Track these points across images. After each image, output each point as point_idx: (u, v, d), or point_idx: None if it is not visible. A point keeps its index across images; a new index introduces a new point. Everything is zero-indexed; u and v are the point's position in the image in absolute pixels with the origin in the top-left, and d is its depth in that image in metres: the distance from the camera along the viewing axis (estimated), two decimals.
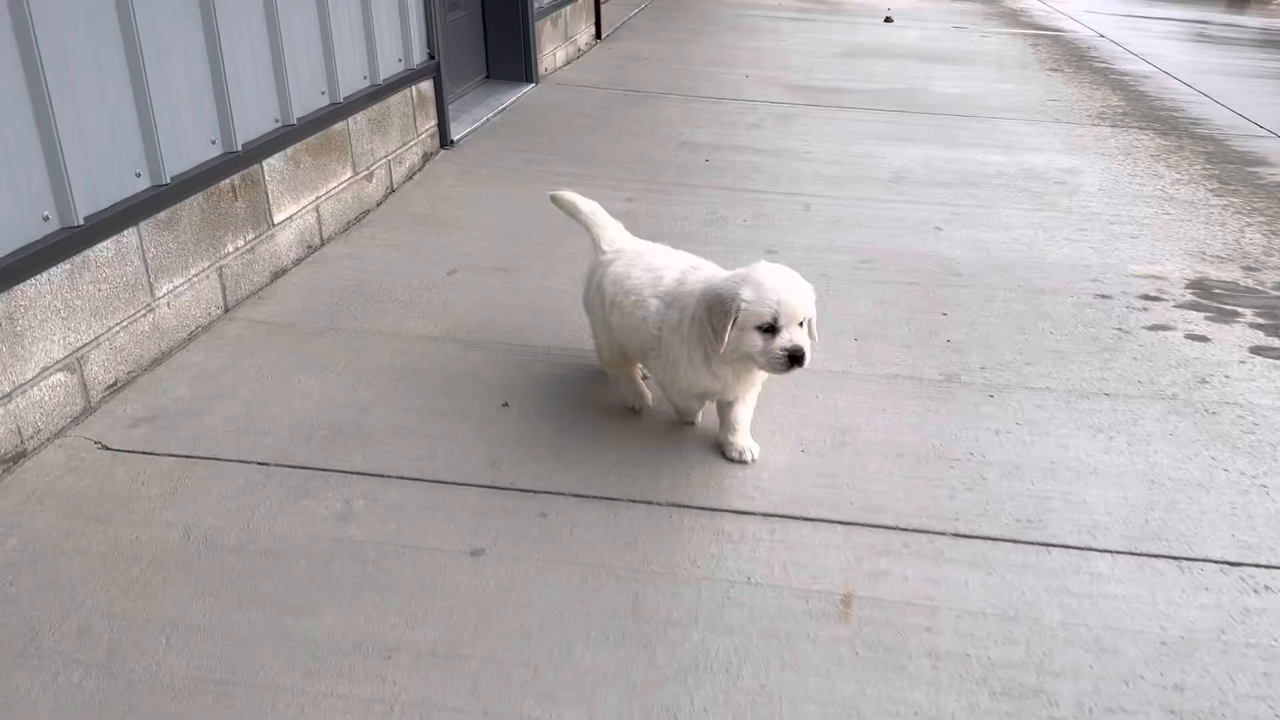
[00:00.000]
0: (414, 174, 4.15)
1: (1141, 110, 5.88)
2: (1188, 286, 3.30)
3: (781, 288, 2.04)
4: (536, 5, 5.67)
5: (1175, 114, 5.82)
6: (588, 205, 2.54)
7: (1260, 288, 3.32)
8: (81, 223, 2.29)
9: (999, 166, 4.59)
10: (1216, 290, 3.28)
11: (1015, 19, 9.83)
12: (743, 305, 2.02)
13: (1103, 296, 3.20)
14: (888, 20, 8.98)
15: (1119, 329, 2.97)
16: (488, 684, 1.63)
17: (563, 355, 2.71)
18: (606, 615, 1.79)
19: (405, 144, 4.06)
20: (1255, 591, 1.89)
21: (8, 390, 2.12)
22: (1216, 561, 1.97)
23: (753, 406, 2.30)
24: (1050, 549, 1.99)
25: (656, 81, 6.06)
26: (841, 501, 2.12)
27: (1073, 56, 7.66)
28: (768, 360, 2.06)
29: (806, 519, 2.06)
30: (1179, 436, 2.41)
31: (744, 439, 2.27)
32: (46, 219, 2.22)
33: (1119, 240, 3.70)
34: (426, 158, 4.30)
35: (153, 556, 1.90)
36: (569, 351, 2.73)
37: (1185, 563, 1.97)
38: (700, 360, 2.13)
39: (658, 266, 2.28)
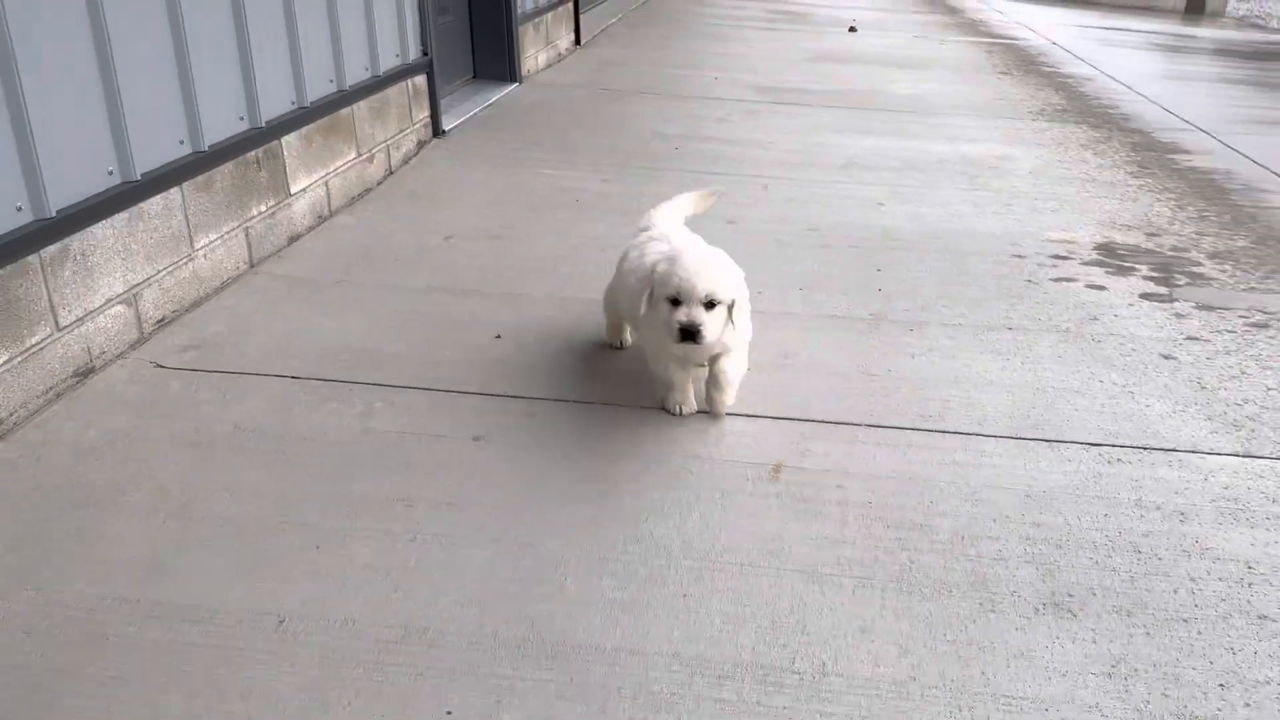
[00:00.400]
0: (410, 159, 4.60)
1: (1079, 107, 6.40)
2: (1095, 248, 3.79)
3: (689, 269, 2.22)
4: (520, 11, 6.14)
5: (1110, 110, 6.35)
6: (680, 198, 2.81)
7: (1158, 249, 3.81)
8: (139, 178, 2.73)
9: (942, 155, 5.09)
10: (1120, 251, 3.77)
11: (974, 29, 10.39)
12: (656, 279, 2.27)
13: (1018, 256, 3.68)
14: (852, 30, 9.52)
15: (1029, 281, 3.45)
16: (491, 524, 2.07)
17: (548, 303, 3.16)
18: (584, 481, 2.23)
19: (402, 131, 4.51)
20: (1108, 463, 2.36)
21: (80, 315, 2.55)
22: (1081, 443, 2.44)
23: (741, 369, 2.44)
24: (946, 434, 2.45)
25: (631, 83, 6.54)
26: (779, 404, 2.57)
27: (1023, 62, 8.21)
28: (667, 330, 2.25)
29: (751, 415, 2.51)
30: (1066, 359, 2.88)
31: (728, 398, 2.41)
32: (111, 173, 2.65)
33: (1040, 213, 4.18)
34: (421, 145, 4.75)
35: (210, 442, 2.33)
36: (553, 300, 3.17)
37: (1055, 444, 2.43)
38: (653, 330, 2.35)
39: (663, 248, 2.41)
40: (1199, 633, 1.82)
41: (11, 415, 2.34)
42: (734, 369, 2.40)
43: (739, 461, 2.31)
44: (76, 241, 2.52)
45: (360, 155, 4.09)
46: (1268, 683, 1.71)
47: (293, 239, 3.57)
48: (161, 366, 2.66)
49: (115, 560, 1.92)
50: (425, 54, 4.72)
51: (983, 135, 5.52)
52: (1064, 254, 3.71)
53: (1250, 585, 1.95)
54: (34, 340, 2.40)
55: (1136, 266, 3.62)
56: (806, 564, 1.97)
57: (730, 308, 2.27)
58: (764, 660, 1.73)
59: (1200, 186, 4.68)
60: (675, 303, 2.23)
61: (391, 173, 4.40)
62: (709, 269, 2.23)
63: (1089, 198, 4.44)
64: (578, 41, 7.70)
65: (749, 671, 1.70)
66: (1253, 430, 2.52)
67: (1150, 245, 3.85)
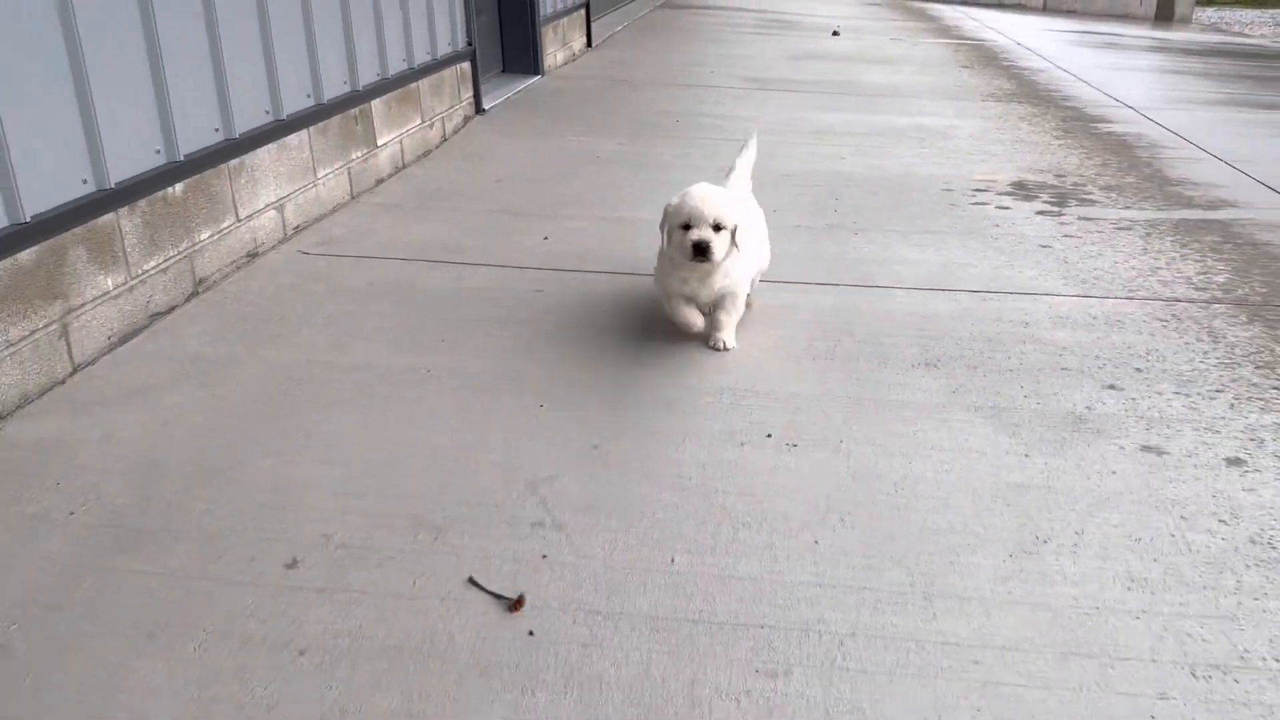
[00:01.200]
0: (459, 129, 5.65)
1: (1026, 91, 7.46)
2: (1010, 185, 4.82)
3: (696, 198, 2.70)
4: (541, 15, 7.21)
5: (1053, 93, 7.40)
6: (748, 154, 3.29)
7: (1060, 185, 4.83)
8: (285, 119, 3.78)
9: (899, 125, 6.13)
10: (1029, 186, 4.80)
11: (947, 33, 11.48)
12: (669, 210, 2.76)
13: (948, 190, 4.71)
14: (835, 34, 10.60)
15: (952, 205, 4.48)
16: (552, 329, 3.09)
17: (580, 219, 4.19)
18: (609, 311, 3.25)
19: (453, 106, 5.57)
20: (983, 300, 3.38)
21: (250, 213, 3.59)
22: (966, 291, 3.46)
23: (735, 316, 2.92)
24: (872, 288, 3.47)
25: (638, 76, 7.61)
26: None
27: (987, 58, 9.28)
28: (681, 250, 2.71)
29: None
30: (968, 248, 3.90)
31: (724, 334, 2.92)
32: (268, 113, 3.70)
33: (971, 163, 5.22)
34: (467, 119, 5.80)
35: (355, 292, 3.36)
36: (584, 218, 4.21)
37: (947, 291, 3.45)
38: (667, 263, 2.85)
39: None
40: (1017, 375, 2.84)
41: (212, 275, 3.38)
42: (728, 319, 2.91)
43: None
44: (248, 159, 3.57)
45: (423, 122, 5.14)
46: (1056, 394, 2.72)
47: (379, 181, 4.62)
48: (305, 253, 3.70)
49: (310, 346, 2.95)
50: (470, 44, 5.78)
51: (937, 112, 6.57)
52: (984, 188, 4.74)
53: (1059, 355, 2.97)
54: (224, 225, 3.44)
55: (1039, 195, 4.65)
56: (768, 347, 3.00)
57: (734, 233, 2.74)
58: (738, 385, 2.75)
59: (1111, 145, 5.72)
60: (687, 228, 2.72)
61: (446, 139, 5.45)
62: (714, 198, 2.72)
63: (1014, 153, 5.47)
64: (589, 44, 8.78)
65: (734, 387, 2.73)
66: (1094, 284, 3.53)
67: (1055, 182, 4.88)
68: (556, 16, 7.73)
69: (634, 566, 1.99)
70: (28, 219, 2.57)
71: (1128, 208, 4.48)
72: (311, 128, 4.00)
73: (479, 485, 2.26)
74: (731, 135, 5.71)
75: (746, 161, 3.29)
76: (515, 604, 1.87)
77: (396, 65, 4.80)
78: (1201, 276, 3.61)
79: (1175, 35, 12.89)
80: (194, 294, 3.28)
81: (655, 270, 3.00)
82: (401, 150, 4.87)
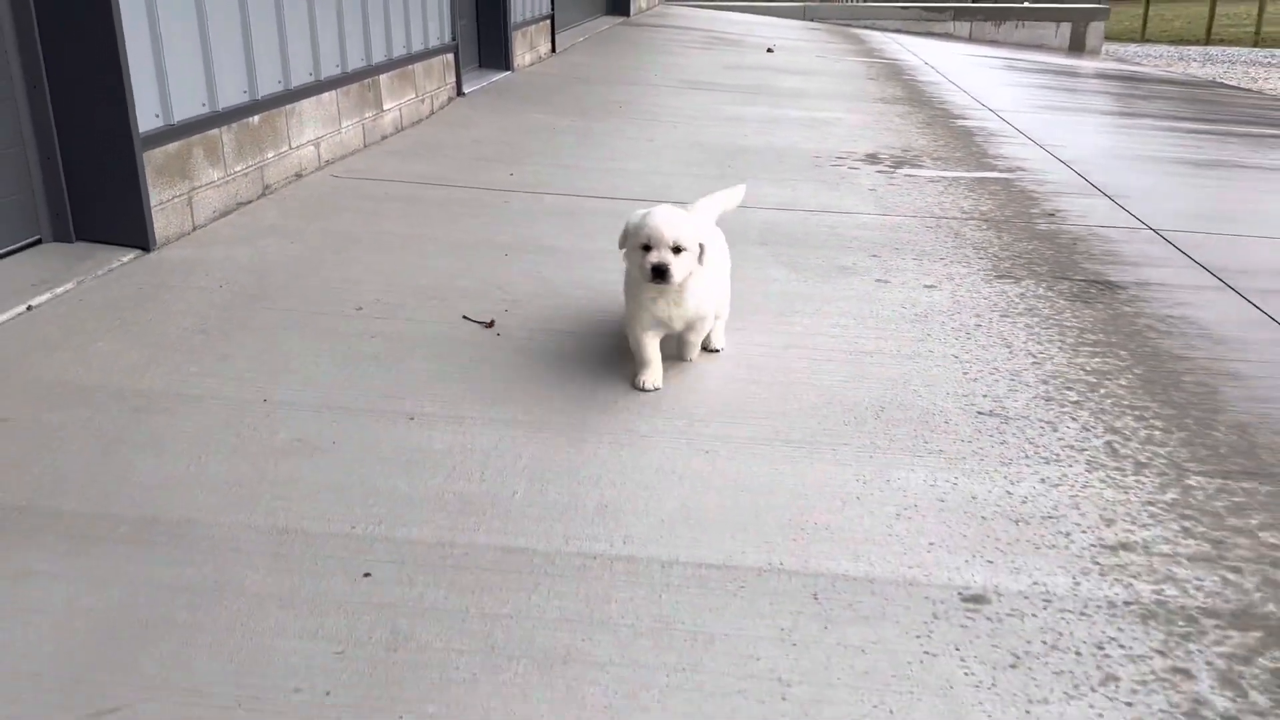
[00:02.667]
0: (444, 106, 7.15)
1: (912, 97, 9.09)
2: (864, 156, 6.38)
3: (656, 221, 2.67)
4: (512, 22, 8.74)
5: (933, 99, 9.04)
6: (729, 195, 3.44)
7: (903, 156, 6.41)
8: (322, 79, 5.26)
9: (797, 116, 7.71)
10: (878, 156, 6.37)
11: (869, 53, 13.18)
12: (630, 229, 2.74)
13: (816, 157, 6.27)
14: (769, 51, 12.24)
15: (815, 166, 6.03)
16: (517, 208, 4.59)
17: (539, 165, 5.69)
18: (559, 210, 4.75)
19: (440, 86, 7.07)
20: (814, 214, 4.90)
21: (296, 145, 5.06)
22: (805, 211, 4.98)
23: (701, 335, 3.01)
24: (741, 209, 5.00)
25: (592, 76, 9.16)
26: (668, 197, 5.11)
27: (892, 73, 10.94)
28: (641, 272, 2.69)
29: (654, 200, 5.06)
30: (815, 189, 5.44)
31: (691, 353, 3.05)
32: (310, 75, 5.18)
33: (842, 142, 6.79)
34: (450, 98, 7.31)
35: (374, 198, 4.83)
36: (542, 166, 5.71)
37: (792, 211, 4.98)
38: (634, 283, 2.82)
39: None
40: (816, 249, 4.36)
41: (274, 184, 4.84)
42: (695, 339, 3.00)
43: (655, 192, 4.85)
44: (297, 106, 5.04)
45: (417, 96, 6.64)
46: (836, 258, 4.24)
47: (384, 136, 6.11)
48: (336, 176, 5.17)
49: (349, 223, 4.42)
50: (454, 40, 7.30)
51: (831, 109, 8.17)
52: (844, 157, 6.31)
53: (848, 241, 4.49)
54: (282, 150, 4.91)
55: (883, 161, 6.22)
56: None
57: (699, 255, 2.72)
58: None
59: (958, 133, 7.33)
60: (647, 249, 2.69)
61: (434, 112, 6.95)
62: (675, 219, 2.69)
63: (879, 136, 7.06)
64: (553, 50, 10.33)
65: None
66: (891, 209, 5.07)
67: (900, 155, 6.46)
68: (526, 24, 9.27)
69: (559, 312, 3.48)
70: (175, 122, 4.03)
71: (944, 171, 6.06)
72: (338, 89, 5.48)
73: (461, 282, 3.73)
74: (660, 118, 7.26)
75: (720, 200, 3.37)
76: (489, 325, 3.34)
77: (399, 50, 6.29)
78: (970, 205, 5.18)
79: (1073, 62, 14.70)
80: (263, 194, 4.74)
81: (624, 290, 2.97)
82: (400, 116, 6.36)
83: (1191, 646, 1.90)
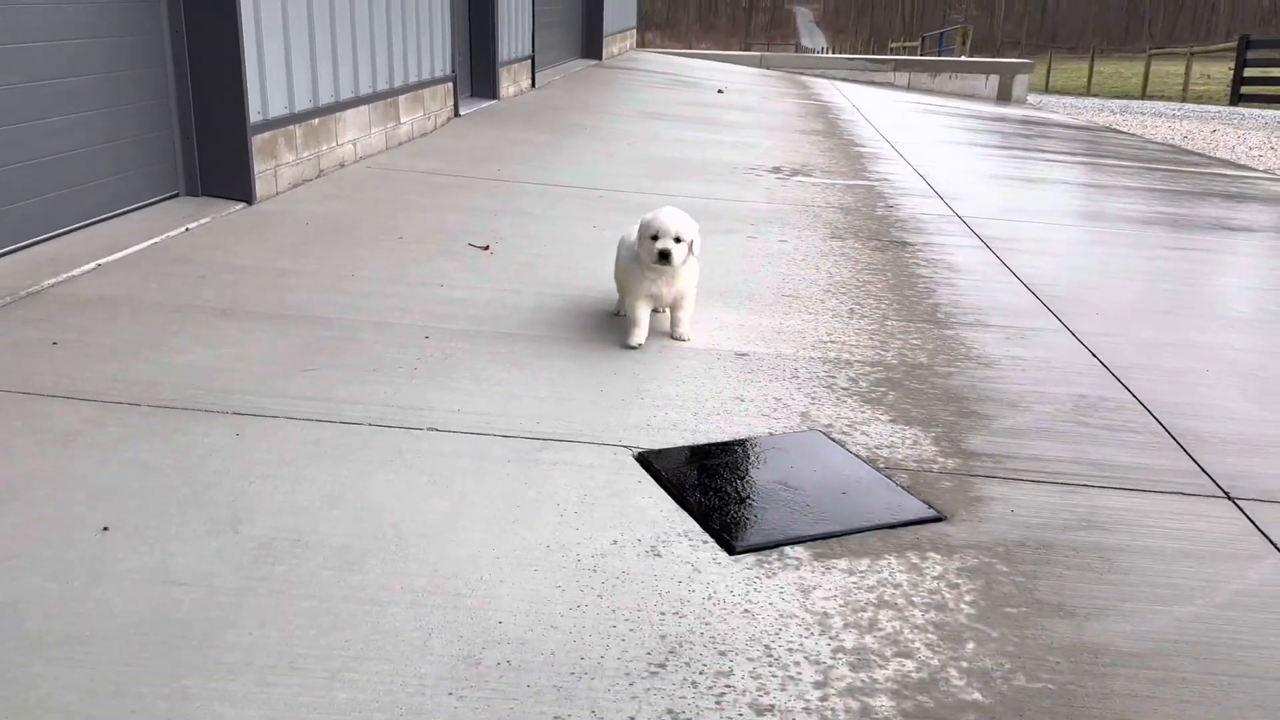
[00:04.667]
0: (445, 124, 9.09)
1: (828, 129, 11.13)
2: (770, 168, 8.35)
3: (662, 217, 3.54)
4: (499, 59, 10.73)
5: (845, 131, 11.07)
6: None
7: (799, 168, 8.38)
8: (360, 96, 7.19)
9: (727, 139, 9.70)
10: (779, 168, 8.33)
11: (807, 97, 15.29)
12: (644, 224, 3.58)
13: (734, 167, 8.22)
14: (720, 92, 14.31)
15: (732, 173, 7.98)
16: (543, 155, 6.50)
17: (519, 166, 7.62)
18: (536, 188, 6.67)
19: (442, 108, 9.01)
20: (719, 202, 6.84)
21: (342, 142, 6.96)
22: (716, 200, 6.92)
23: (689, 313, 3.84)
24: (670, 196, 6.93)
25: (565, 105, 11.14)
26: (631, 184, 7.04)
27: (820, 112, 13.01)
28: (649, 255, 3.53)
29: (609, 190, 6.98)
30: (726, 187, 7.37)
31: (684, 329, 3.85)
32: (353, 92, 7.10)
33: (757, 158, 8.76)
34: (450, 118, 9.25)
35: (400, 182, 6.73)
36: (522, 166, 7.64)
37: (706, 200, 6.90)
38: (634, 264, 3.66)
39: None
40: (715, 218, 6.27)
41: (325, 170, 6.73)
42: (684, 316, 3.84)
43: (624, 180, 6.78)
44: (343, 114, 6.95)
45: (425, 114, 8.58)
46: (727, 227, 6.16)
47: (400, 144, 8.03)
48: (369, 168, 7.07)
49: (385, 196, 6.31)
50: (452, 73, 9.26)
51: (757, 137, 10.17)
52: (755, 168, 8.28)
53: (738, 216, 6.41)
54: (331, 145, 6.81)
55: (782, 171, 8.19)
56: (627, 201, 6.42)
57: (691, 245, 3.59)
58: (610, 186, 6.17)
59: (850, 155, 9.33)
60: (655, 238, 3.54)
61: (437, 128, 8.89)
62: (677, 216, 3.56)
63: (788, 156, 9.05)
64: (533, 85, 12.33)
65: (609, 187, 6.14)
66: (778, 201, 7.00)
67: (798, 167, 8.43)
68: (510, 62, 11.27)
69: (531, 244, 5.36)
70: (269, 118, 5.92)
71: (827, 178, 8.04)
72: (369, 105, 7.40)
73: (467, 227, 5.61)
74: (620, 139, 9.23)
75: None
76: (485, 248, 5.23)
77: (413, 78, 8.23)
78: (834, 200, 7.14)
79: (991, 109, 16.89)
80: (319, 175, 6.63)
81: (616, 272, 3.95)
82: (413, 128, 8.29)
83: (843, 372, 3.77)
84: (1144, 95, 29.71)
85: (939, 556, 2.55)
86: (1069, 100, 25.02)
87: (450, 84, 9.22)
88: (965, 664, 2.14)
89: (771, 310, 4.49)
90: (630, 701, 1.96)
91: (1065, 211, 7.59)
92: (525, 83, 12.04)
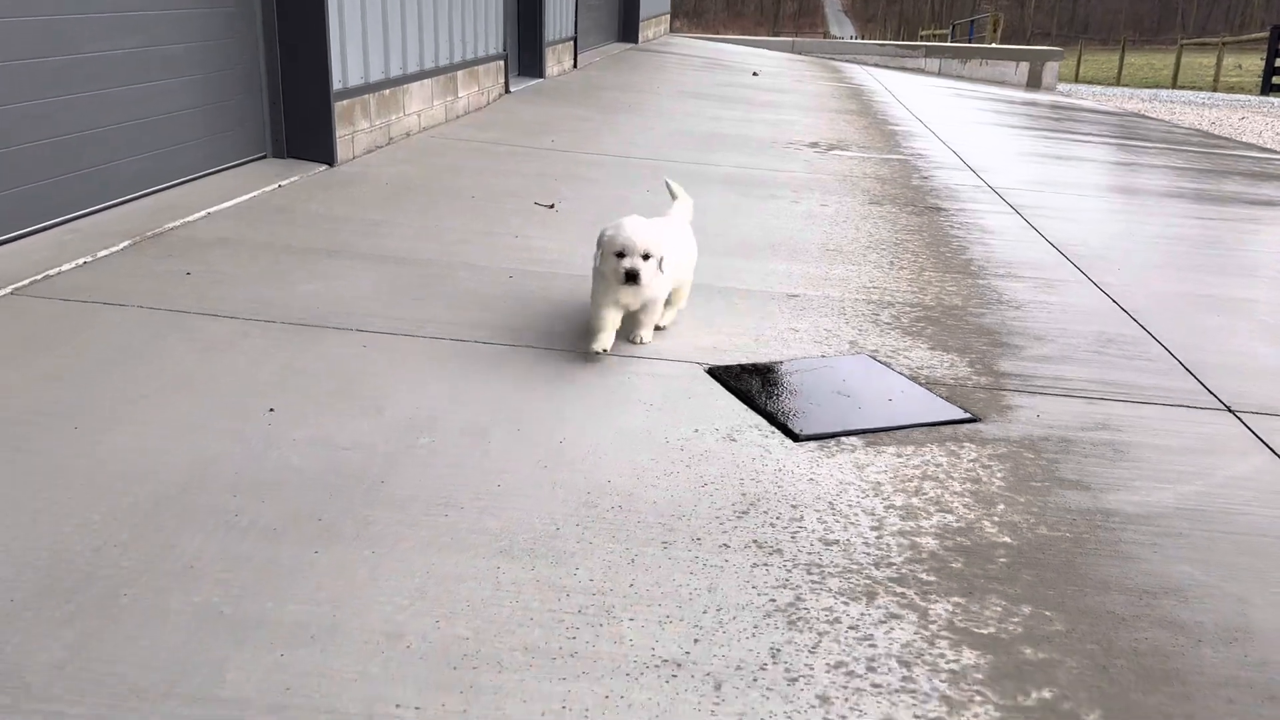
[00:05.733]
0: (496, 99, 9.56)
1: (862, 110, 11.52)
2: (808, 143, 8.77)
3: (626, 230, 3.22)
4: (545, 40, 11.19)
5: (878, 112, 11.46)
6: (682, 198, 3.98)
7: (836, 143, 8.79)
8: (425, 70, 7.66)
9: (765, 117, 10.12)
10: (817, 143, 8.75)
11: (840, 80, 15.67)
12: (605, 238, 3.28)
13: (772, 142, 8.64)
14: (754, 75, 14.71)
15: (772, 146, 8.41)
16: (596, 117, 6.96)
17: (567, 137, 8.08)
18: (572, 152, 7.13)
19: (494, 84, 9.48)
20: (761, 171, 7.28)
21: (405, 114, 7.45)
22: (758, 169, 7.35)
23: (652, 319, 3.51)
24: (714, 166, 7.37)
25: (607, 85, 11.59)
26: (663, 152, 7.49)
27: (854, 94, 13.40)
28: (614, 275, 3.23)
29: (652, 159, 7.43)
30: (766, 158, 7.80)
31: (643, 331, 3.51)
32: (418, 67, 7.58)
33: (796, 134, 9.18)
34: (501, 94, 9.72)
35: (459, 150, 7.21)
36: (569, 137, 8.10)
37: (748, 169, 7.35)
38: (601, 280, 3.35)
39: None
40: (760, 186, 6.71)
41: (394, 138, 7.22)
42: (647, 319, 3.48)
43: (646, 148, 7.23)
44: (409, 86, 7.43)
45: (479, 90, 9.05)
46: (770, 192, 6.60)
47: (457, 116, 8.51)
48: (433, 137, 7.55)
49: (446, 161, 6.79)
50: (504, 51, 9.72)
51: (793, 115, 10.58)
52: (793, 143, 8.70)
53: (779, 184, 6.85)
54: (398, 115, 7.30)
55: (819, 146, 8.61)
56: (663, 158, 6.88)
57: (660, 261, 3.26)
58: (650, 156, 6.63)
59: (885, 133, 9.73)
60: (621, 255, 3.23)
61: (490, 103, 9.36)
62: (644, 231, 3.22)
63: (824, 132, 9.46)
64: (575, 65, 12.78)
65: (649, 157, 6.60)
66: (818, 171, 7.43)
67: (834, 143, 8.85)
68: (555, 42, 11.72)
69: (592, 204, 5.82)
70: (349, 86, 6.41)
71: (863, 152, 8.45)
72: (432, 79, 7.87)
73: (530, 189, 6.08)
74: (660, 115, 9.67)
75: (686, 211, 3.96)
76: (550, 206, 5.69)
77: (470, 55, 8.71)
78: (871, 171, 7.55)
79: (1021, 95, 17.20)
80: (389, 143, 7.11)
81: (592, 287, 3.47)
82: (469, 102, 8.77)
83: (886, 310, 4.21)
84: (1174, 85, 29.82)
85: (974, 446, 3.00)
86: (1098, 89, 25.22)
87: (502, 62, 9.68)
88: (996, 519, 2.59)
89: (818, 261, 4.93)
90: (722, 534, 2.43)
91: (1091, 185, 7.98)
92: (568, 63, 12.50)
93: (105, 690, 1.79)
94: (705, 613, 2.12)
